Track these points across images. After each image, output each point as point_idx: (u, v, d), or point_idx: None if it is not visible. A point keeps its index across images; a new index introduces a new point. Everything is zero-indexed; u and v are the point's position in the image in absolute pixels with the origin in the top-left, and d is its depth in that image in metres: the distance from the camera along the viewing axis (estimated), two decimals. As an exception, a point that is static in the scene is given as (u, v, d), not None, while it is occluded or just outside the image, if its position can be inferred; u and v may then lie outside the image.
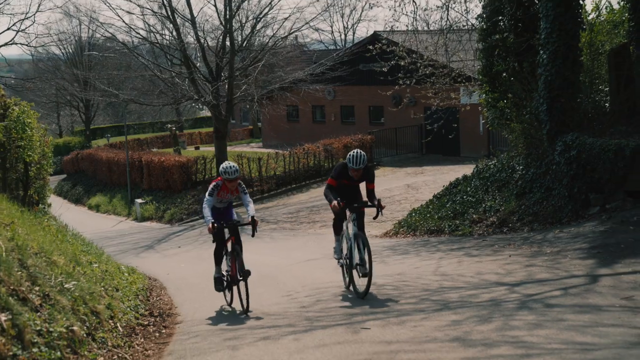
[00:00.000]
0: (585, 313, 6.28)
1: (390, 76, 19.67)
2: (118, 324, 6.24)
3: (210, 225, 8.30)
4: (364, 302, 8.04)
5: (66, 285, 5.78)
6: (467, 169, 17.97)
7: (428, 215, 14.95)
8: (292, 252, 14.47)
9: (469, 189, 15.14)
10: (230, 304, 8.91)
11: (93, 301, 6.12)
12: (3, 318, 4.43)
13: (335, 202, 8.57)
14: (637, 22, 14.38)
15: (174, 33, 26.09)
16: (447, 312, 7.05)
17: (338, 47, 61.58)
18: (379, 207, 8.52)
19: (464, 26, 18.55)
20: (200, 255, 15.81)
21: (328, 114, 39.23)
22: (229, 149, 30.48)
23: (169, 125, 41.52)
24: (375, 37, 28.92)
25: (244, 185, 9.06)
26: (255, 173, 27.48)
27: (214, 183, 8.88)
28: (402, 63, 18.77)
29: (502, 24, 15.61)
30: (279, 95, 31.52)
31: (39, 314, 4.97)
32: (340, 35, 68.53)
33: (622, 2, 15.67)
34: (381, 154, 32.76)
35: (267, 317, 7.92)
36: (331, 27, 58.45)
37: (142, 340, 6.40)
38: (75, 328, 5.21)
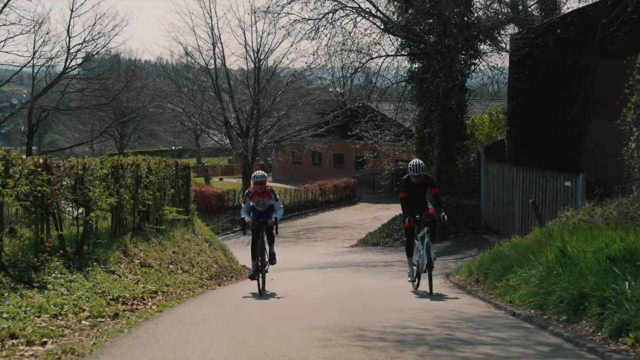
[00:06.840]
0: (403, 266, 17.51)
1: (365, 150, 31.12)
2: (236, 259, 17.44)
3: (245, 220, 10.40)
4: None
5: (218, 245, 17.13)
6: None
7: (376, 235, 26.27)
8: (297, 253, 25.69)
9: (399, 220, 26.46)
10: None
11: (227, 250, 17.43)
12: (223, 251, 15.71)
13: (406, 221, 10.04)
14: (511, 127, 25.32)
15: (218, 105, 37.66)
16: (350, 267, 18.17)
17: (337, 97, 73.08)
18: (443, 222, 10.06)
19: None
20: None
21: (324, 159, 50.76)
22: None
23: (205, 163, 53.20)
24: (362, 107, 40.34)
25: (276, 193, 10.62)
26: (270, 203, 38.69)
27: (246, 191, 10.47)
28: (370, 142, 30.43)
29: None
30: (288, 146, 43.15)
31: (223, 251, 16.28)
32: (339, 85, 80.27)
33: (503, 114, 26.95)
34: (362, 192, 43.97)
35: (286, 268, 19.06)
36: (332, 76, 69.95)
37: (241, 265, 17.54)
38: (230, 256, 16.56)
